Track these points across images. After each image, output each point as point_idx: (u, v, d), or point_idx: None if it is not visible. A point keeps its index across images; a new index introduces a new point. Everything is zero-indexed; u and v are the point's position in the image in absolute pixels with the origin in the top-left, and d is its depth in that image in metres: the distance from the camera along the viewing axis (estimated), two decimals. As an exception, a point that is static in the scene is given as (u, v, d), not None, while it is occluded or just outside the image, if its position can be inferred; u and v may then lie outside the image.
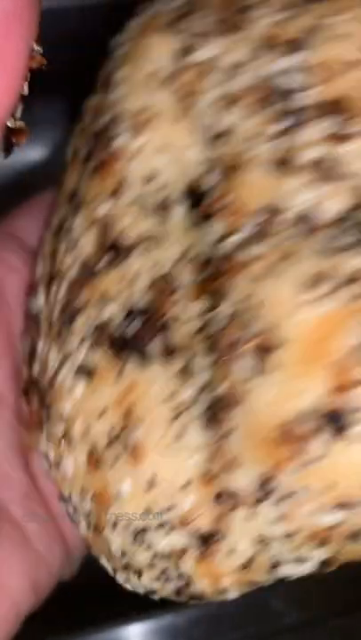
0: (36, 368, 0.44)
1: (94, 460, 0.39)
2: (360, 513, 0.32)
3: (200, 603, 0.39)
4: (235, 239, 0.35)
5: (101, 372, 0.39)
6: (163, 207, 0.42)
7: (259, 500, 0.34)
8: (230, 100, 0.38)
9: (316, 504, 0.33)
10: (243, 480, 0.34)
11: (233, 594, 0.37)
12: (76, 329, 0.41)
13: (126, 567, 0.40)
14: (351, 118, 0.33)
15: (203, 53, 0.39)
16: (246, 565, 0.36)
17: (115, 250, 0.40)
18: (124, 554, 0.39)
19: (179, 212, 0.41)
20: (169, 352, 0.38)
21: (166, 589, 0.39)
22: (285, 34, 0.35)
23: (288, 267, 0.33)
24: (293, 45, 0.35)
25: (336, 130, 0.33)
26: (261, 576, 0.36)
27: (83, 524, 0.41)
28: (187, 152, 0.42)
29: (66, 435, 0.40)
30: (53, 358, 0.42)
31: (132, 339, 0.38)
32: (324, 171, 0.33)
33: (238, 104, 0.37)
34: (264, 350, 0.33)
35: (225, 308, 0.35)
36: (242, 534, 0.35)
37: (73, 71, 0.61)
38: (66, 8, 0.58)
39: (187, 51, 0.41)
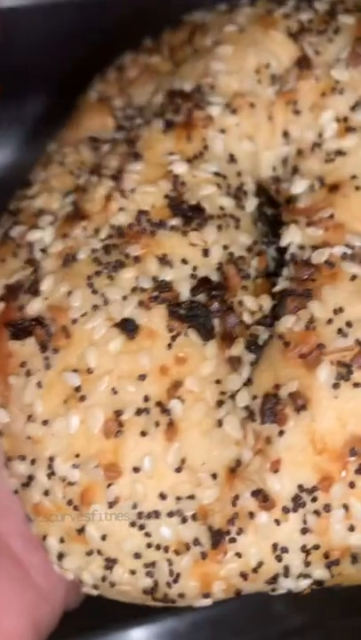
0: (37, 305, 0.38)
1: (114, 426, 0.34)
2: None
3: (158, 606, 0.36)
4: (336, 251, 0.36)
5: (150, 333, 0.35)
6: (242, 192, 0.41)
7: (290, 509, 0.34)
8: (350, 127, 0.40)
9: (349, 523, 0.34)
10: (279, 485, 0.34)
11: (209, 601, 0.36)
12: (123, 280, 0.37)
13: (98, 552, 0.35)
14: None
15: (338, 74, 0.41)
16: (250, 572, 0.35)
17: (192, 213, 0.38)
18: (104, 537, 0.35)
19: (252, 204, 0.41)
20: (230, 335, 0.36)
21: (136, 586, 0.35)
22: None
23: None
24: None
25: None
26: (257, 585, 0.35)
27: (57, 495, 0.35)
28: (266, 151, 0.43)
29: (81, 388, 0.35)
30: (78, 301, 0.37)
31: (199, 309, 0.35)
32: None
33: (358, 133, 0.39)
34: (351, 364, 0.34)
35: (313, 311, 0.35)
36: (257, 539, 0.34)
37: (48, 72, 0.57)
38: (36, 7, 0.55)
39: (305, 63, 0.42)
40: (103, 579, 0.36)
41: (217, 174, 0.40)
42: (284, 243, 0.40)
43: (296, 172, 0.42)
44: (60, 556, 0.37)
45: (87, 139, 0.48)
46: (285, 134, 0.42)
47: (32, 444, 0.36)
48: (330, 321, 0.35)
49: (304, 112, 0.42)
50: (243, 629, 0.49)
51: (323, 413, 0.33)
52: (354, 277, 0.36)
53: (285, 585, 0.35)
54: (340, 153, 0.39)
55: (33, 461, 0.36)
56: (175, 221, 0.38)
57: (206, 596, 0.35)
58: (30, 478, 0.36)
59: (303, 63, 0.42)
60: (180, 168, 0.39)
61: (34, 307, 0.38)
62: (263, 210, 0.42)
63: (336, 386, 0.34)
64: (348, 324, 0.34)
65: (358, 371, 0.34)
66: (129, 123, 0.47)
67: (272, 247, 0.42)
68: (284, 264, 0.40)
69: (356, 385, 0.34)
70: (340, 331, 0.34)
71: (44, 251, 0.41)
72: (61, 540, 0.36)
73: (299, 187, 0.40)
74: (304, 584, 0.35)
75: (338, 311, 0.35)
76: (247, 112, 0.42)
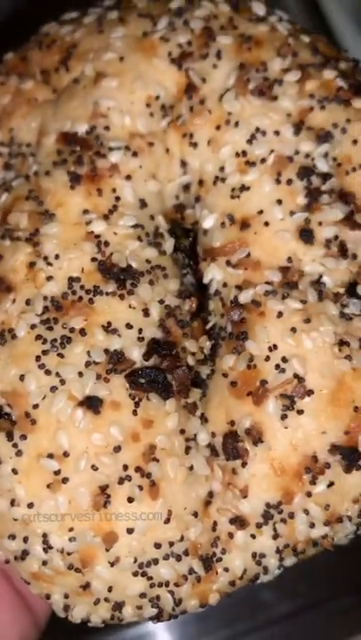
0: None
1: (101, 499, 0.37)
2: (340, 527, 0.41)
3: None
4: (259, 290, 0.40)
5: (114, 405, 0.38)
6: (159, 235, 0.42)
7: (262, 523, 0.40)
8: (250, 161, 0.42)
9: (310, 522, 0.41)
10: (250, 507, 0.40)
11: (204, 607, 0.42)
12: (74, 356, 0.38)
13: (105, 600, 0.39)
14: (359, 211, 0.42)
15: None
16: (237, 580, 0.41)
17: (124, 275, 0.40)
18: (110, 589, 0.39)
19: (170, 245, 0.43)
20: (184, 386, 0.40)
21: (142, 617, 0.40)
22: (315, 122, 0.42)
23: (315, 327, 0.40)
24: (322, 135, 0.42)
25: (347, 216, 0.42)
26: (243, 585, 0.42)
27: (57, 564, 0.38)
28: (168, 183, 0.44)
29: (61, 471, 0.37)
30: (33, 384, 0.38)
31: (156, 374, 0.38)
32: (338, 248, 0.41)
33: (258, 167, 0.42)
34: (293, 395, 0.39)
35: (250, 351, 0.39)
36: (239, 553, 0.40)
37: None
38: None
39: (193, 91, 0.43)
40: (112, 617, 0.40)
41: (135, 226, 0.41)
42: (206, 280, 0.43)
43: (199, 201, 0.44)
44: (66, 608, 0.40)
45: None
46: (183, 164, 0.44)
47: (21, 524, 0.38)
48: (267, 358, 0.39)
49: (201, 145, 0.43)
50: (232, 620, 0.53)
51: (277, 442, 0.39)
52: (280, 314, 0.40)
53: (265, 579, 0.42)
54: (243, 188, 0.42)
55: (25, 539, 0.38)
56: (110, 287, 0.39)
57: (203, 606, 0.41)
58: (25, 552, 0.39)
59: (191, 91, 0.43)
60: (100, 227, 0.40)
61: None
62: (179, 243, 0.44)
63: (284, 417, 0.39)
64: (284, 360, 0.39)
65: (300, 400, 0.39)
66: (18, 161, 0.46)
67: (190, 275, 0.45)
68: (208, 297, 0.44)
69: (299, 412, 0.39)
70: (277, 366, 0.39)
71: (-28, 328, 0.40)
72: (66, 596, 0.40)
73: (208, 221, 0.43)
74: (278, 572, 0.42)
75: (273, 348, 0.39)
76: (147, 152, 0.42)
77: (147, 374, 0.38)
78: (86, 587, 0.39)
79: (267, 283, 0.40)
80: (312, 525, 0.40)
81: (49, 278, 0.39)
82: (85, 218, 0.40)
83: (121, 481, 0.37)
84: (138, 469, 0.37)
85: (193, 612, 0.41)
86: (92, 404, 0.37)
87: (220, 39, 0.44)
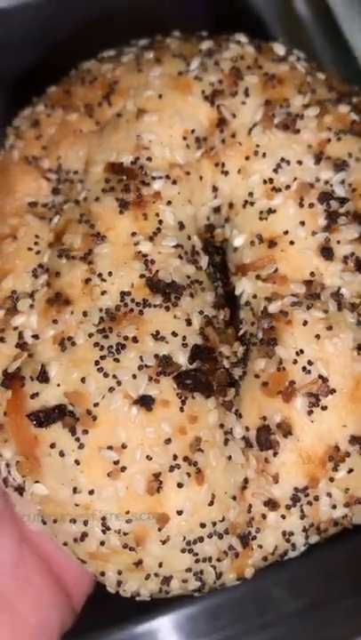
0: (52, 393, 0.44)
1: (155, 485, 0.43)
2: (358, 509, 0.47)
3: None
4: (286, 301, 0.46)
5: (164, 403, 0.43)
6: (196, 253, 0.48)
7: (290, 505, 0.46)
8: (276, 187, 0.48)
9: (332, 504, 0.47)
10: (280, 491, 0.46)
11: (241, 579, 0.48)
12: (128, 360, 0.44)
13: (155, 575, 0.45)
14: None
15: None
16: (269, 555, 0.47)
17: (168, 289, 0.45)
18: (161, 564, 0.45)
19: (205, 261, 0.49)
20: (223, 387, 0.46)
21: (187, 589, 0.46)
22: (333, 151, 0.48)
23: (336, 333, 0.46)
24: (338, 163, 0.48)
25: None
26: (273, 560, 0.48)
27: (114, 543, 0.44)
28: (201, 207, 0.50)
29: (119, 461, 0.43)
30: (93, 386, 0.44)
31: (200, 376, 0.44)
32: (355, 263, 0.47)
33: (283, 192, 0.48)
34: (318, 393, 0.45)
35: (280, 355, 0.45)
36: (271, 532, 0.46)
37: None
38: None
39: (224, 125, 0.49)
40: (160, 591, 0.46)
41: (176, 246, 0.46)
42: (237, 292, 0.48)
43: (228, 222, 0.49)
44: (119, 584, 0.46)
45: (27, 205, 0.51)
46: (215, 189, 0.49)
47: (82, 509, 0.44)
48: (295, 361, 0.45)
49: (232, 173, 0.49)
50: (242, 617, 0.52)
51: (304, 434, 0.45)
52: (305, 322, 0.46)
53: (292, 554, 0.48)
54: (270, 211, 0.48)
55: (86, 522, 0.44)
56: (157, 300, 0.45)
57: (240, 579, 0.47)
58: (85, 534, 0.44)
59: (222, 125, 0.49)
60: (146, 247, 0.46)
61: (49, 394, 0.44)
62: (212, 259, 0.50)
63: (310, 412, 0.45)
64: (310, 363, 0.45)
65: (324, 398, 0.45)
66: (66, 186, 0.51)
67: (220, 288, 0.51)
68: (239, 307, 0.49)
69: (323, 408, 0.45)
70: (304, 368, 0.45)
71: (35, 337, 0.46)
72: (119, 573, 0.45)
73: (238, 240, 0.49)
74: (303, 549, 0.48)
75: (299, 353, 0.45)
76: (185, 180, 0.48)
77: (192, 376, 0.43)
78: (139, 563, 0.44)
79: (293, 295, 0.46)
80: (334, 507, 0.46)
81: (103, 292, 0.45)
82: (133, 239, 0.46)
83: (171, 469, 0.43)
84: (186, 459, 0.43)
85: (230, 584, 0.46)
86: (145, 402, 0.43)
87: (247, 78, 0.49)
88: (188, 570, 0.44)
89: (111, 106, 0.50)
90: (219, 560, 0.44)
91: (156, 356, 0.43)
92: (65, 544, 0.45)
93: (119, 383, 0.43)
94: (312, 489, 0.45)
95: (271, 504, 0.45)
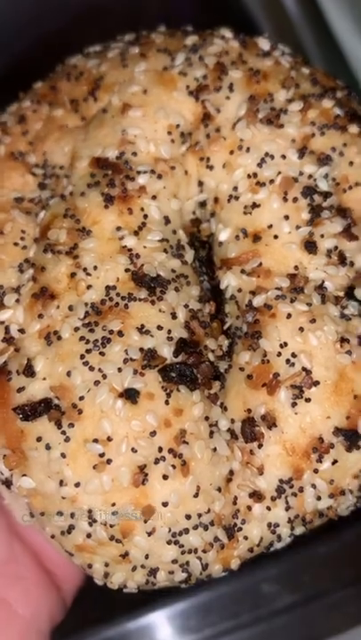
0: (38, 387, 0.45)
1: (140, 477, 0.43)
2: (343, 500, 0.48)
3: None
4: (270, 294, 0.46)
5: (149, 396, 0.44)
6: (181, 247, 0.48)
7: (275, 497, 0.46)
8: (260, 182, 0.48)
9: (317, 495, 0.47)
10: (265, 483, 0.46)
11: (226, 572, 0.48)
12: (113, 354, 0.44)
13: (142, 567, 0.45)
14: (355, 225, 0.49)
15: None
16: (254, 547, 0.47)
17: (154, 283, 0.45)
18: (147, 556, 0.45)
19: (191, 255, 0.49)
20: (207, 379, 0.46)
21: (173, 581, 0.46)
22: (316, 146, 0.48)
23: (319, 326, 0.46)
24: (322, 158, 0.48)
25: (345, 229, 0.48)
26: (258, 551, 0.48)
27: (100, 535, 0.44)
28: (187, 201, 0.50)
29: (105, 454, 0.43)
30: (79, 379, 0.44)
31: (185, 369, 0.45)
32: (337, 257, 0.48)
33: (267, 187, 0.48)
34: (301, 385, 0.46)
35: (264, 348, 0.46)
36: (256, 523, 0.47)
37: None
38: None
39: (208, 120, 0.50)
40: (147, 582, 0.46)
41: (161, 240, 0.47)
42: (222, 286, 0.49)
43: (214, 216, 0.50)
44: (106, 575, 0.46)
45: (13, 200, 0.51)
46: (200, 183, 0.50)
47: (68, 502, 0.44)
48: (279, 354, 0.45)
49: (217, 168, 0.49)
50: (233, 612, 0.53)
51: (288, 426, 0.45)
52: (289, 315, 0.46)
53: (278, 546, 0.48)
54: (255, 205, 0.48)
55: (72, 515, 0.44)
56: (142, 293, 0.45)
57: (226, 570, 0.47)
58: (71, 527, 0.45)
59: (207, 120, 0.49)
60: (131, 242, 0.46)
61: (35, 388, 0.44)
62: (198, 254, 0.51)
63: (294, 404, 0.45)
64: (293, 355, 0.45)
65: (307, 390, 0.45)
66: (52, 181, 0.51)
67: (206, 281, 0.51)
68: (224, 301, 0.50)
69: (307, 400, 0.45)
70: (288, 361, 0.45)
71: (21, 331, 0.46)
72: (106, 565, 0.46)
73: (223, 234, 0.49)
74: (288, 540, 0.49)
75: (283, 345, 0.46)
76: (170, 174, 0.48)
77: (177, 369, 0.44)
78: (125, 555, 0.45)
79: (277, 288, 0.47)
80: (319, 498, 0.46)
81: (89, 287, 0.45)
82: (118, 234, 0.46)
83: (157, 461, 0.43)
84: (171, 451, 0.43)
85: (217, 576, 0.47)
86: (130, 395, 0.43)
87: (231, 73, 0.50)
88: (175, 561, 0.45)
89: (97, 101, 0.51)
90: (204, 551, 0.45)
91: (141, 349, 0.44)
92: (52, 537, 0.46)
93: (104, 376, 0.43)
94: (297, 480, 0.45)
95: (256, 495, 0.45)
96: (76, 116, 0.51)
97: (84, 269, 0.45)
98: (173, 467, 0.43)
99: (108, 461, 0.43)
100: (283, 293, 0.46)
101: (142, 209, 0.47)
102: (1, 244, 0.48)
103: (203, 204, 0.51)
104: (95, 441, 0.43)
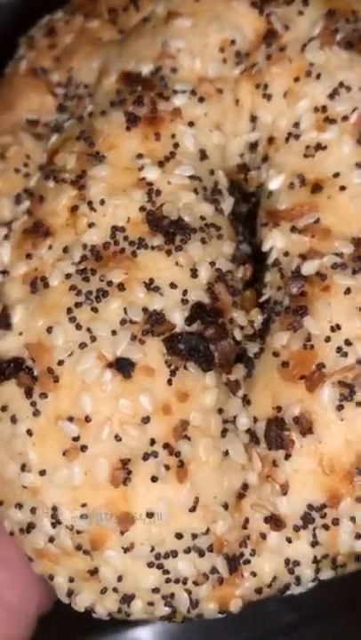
0: (12, 343, 0.35)
1: (121, 474, 0.33)
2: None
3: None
4: (326, 261, 0.35)
5: (148, 370, 0.34)
6: (218, 192, 0.38)
7: (300, 527, 0.35)
8: (330, 118, 0.37)
9: (355, 532, 0.35)
10: (289, 506, 0.35)
11: (224, 614, 0.37)
12: (109, 312, 0.34)
13: (114, 590, 0.35)
14: None
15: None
16: (264, 587, 0.36)
17: (173, 228, 0.35)
18: (120, 578, 0.34)
19: (229, 204, 0.38)
20: (227, 360, 0.35)
21: (153, 615, 0.36)
22: None
23: None
24: None
25: None
26: (271, 594, 0.37)
27: (65, 542, 0.34)
28: (234, 138, 0.40)
29: (80, 437, 0.33)
30: (60, 338, 0.34)
31: (198, 341, 0.34)
32: None
33: (339, 125, 0.37)
34: (353, 384, 0.34)
35: (309, 329, 0.34)
36: (270, 557, 0.35)
37: None
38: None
39: (273, 37, 0.39)
40: (119, 611, 0.36)
41: (192, 177, 0.36)
42: (265, 247, 0.38)
43: (266, 161, 0.39)
44: (70, 593, 0.36)
45: (25, 122, 0.42)
46: (253, 118, 0.39)
47: (30, 493, 0.34)
48: (328, 339, 0.34)
49: (276, 98, 0.39)
50: (237, 628, 0.50)
51: (329, 436, 0.34)
52: (348, 290, 0.35)
53: (296, 591, 0.37)
54: (319, 147, 0.37)
55: (33, 510, 0.34)
56: (157, 240, 0.35)
57: (223, 612, 0.36)
58: (31, 525, 0.35)
59: (271, 38, 0.39)
60: (153, 174, 0.36)
61: (9, 344, 0.35)
62: (237, 207, 0.40)
63: (340, 407, 0.34)
64: (348, 343, 0.34)
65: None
66: (73, 103, 0.42)
67: (246, 243, 0.40)
68: (265, 268, 0.39)
69: (358, 404, 0.34)
70: (339, 349, 0.34)
71: (4, 272, 0.37)
72: (71, 580, 0.36)
73: (275, 182, 0.38)
74: (311, 585, 0.37)
75: (335, 328, 0.34)
76: (215, 99, 0.38)
77: (187, 340, 0.33)
78: (94, 572, 0.34)
79: (336, 254, 0.35)
80: (358, 537, 0.35)
81: (91, 225, 0.35)
82: (138, 163, 0.36)
83: (146, 457, 0.33)
84: (166, 446, 0.33)
85: (210, 617, 0.36)
86: (122, 366, 0.33)
87: (309, -17, 0.39)
88: (156, 590, 0.34)
89: (139, 11, 0.41)
90: (196, 584, 0.34)
91: (145, 310, 0.33)
92: (11, 533, 0.36)
93: (93, 339, 0.33)
94: (331, 509, 0.34)
95: (275, 521, 0.34)
96: (114, 27, 0.42)
97: (89, 203, 0.35)
98: (167, 467, 0.33)
99: (83, 448, 0.33)
100: (343, 261, 0.35)
101: (173, 136, 0.36)
102: (1, 169, 0.39)
103: (253, 147, 0.40)
104: (70, 420, 0.33)
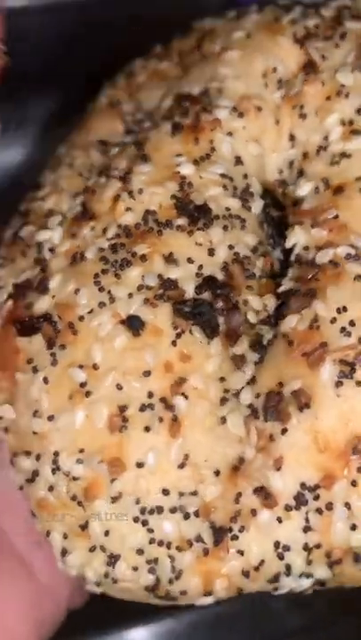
0: (45, 303, 0.39)
1: (118, 421, 0.35)
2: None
3: (165, 604, 0.36)
4: (340, 251, 0.37)
5: (155, 330, 0.36)
6: (248, 194, 0.41)
7: (292, 507, 0.34)
8: (355, 130, 0.40)
9: (351, 522, 0.34)
10: (282, 483, 0.34)
11: (210, 600, 0.36)
12: (130, 278, 0.37)
13: (101, 549, 0.35)
14: None
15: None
16: (251, 570, 0.35)
17: (198, 213, 0.38)
18: (107, 533, 0.35)
19: (258, 205, 0.41)
20: (234, 333, 0.36)
21: (138, 583, 0.35)
22: None
23: None
24: None
25: None
26: (259, 584, 0.35)
27: (62, 490, 0.35)
28: (273, 153, 0.43)
29: (86, 383, 0.35)
30: (85, 298, 0.37)
31: (204, 306, 0.36)
32: None
33: (362, 137, 0.39)
34: (354, 362, 0.34)
35: (316, 311, 0.35)
36: (259, 537, 0.34)
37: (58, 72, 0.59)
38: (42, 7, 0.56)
39: (311, 67, 0.43)
40: (106, 575, 0.36)
41: (223, 175, 0.40)
42: (289, 244, 0.40)
43: (301, 175, 0.42)
44: (64, 552, 0.37)
45: (97, 142, 0.48)
46: (292, 137, 0.43)
47: (38, 439, 0.36)
48: (333, 320, 0.35)
49: (310, 116, 0.42)
50: (242, 629, 0.48)
51: (326, 412, 0.34)
52: (358, 277, 0.36)
53: (287, 584, 0.35)
54: (344, 155, 0.40)
55: (38, 457, 0.36)
56: (181, 221, 0.38)
57: (208, 594, 0.35)
58: (35, 473, 0.37)
59: (309, 68, 0.43)
60: (187, 169, 0.40)
61: (42, 304, 0.39)
62: (269, 212, 0.43)
63: (339, 384, 0.34)
64: (352, 323, 0.35)
65: (361, 369, 0.34)
66: (138, 126, 0.48)
67: (278, 249, 0.43)
68: (289, 266, 0.41)
69: (358, 383, 0.34)
70: (343, 329, 0.35)
71: (52, 250, 0.41)
72: (65, 537, 0.36)
73: (304, 189, 0.41)
74: (306, 583, 0.35)
75: (341, 310, 0.35)
76: (254, 115, 0.42)
77: (194, 305, 0.36)
78: (85, 527, 0.35)
79: (350, 246, 0.37)
80: (353, 527, 0.33)
81: (128, 209, 0.40)
82: (176, 160, 0.41)
83: (142, 407, 0.34)
84: (163, 400, 0.34)
85: (195, 596, 0.35)
86: (132, 323, 0.36)
87: (347, 24, 0.44)
88: (140, 551, 0.34)
89: (200, 50, 0.47)
90: (179, 549, 0.34)
91: (160, 276, 0.36)
92: (21, 488, 0.38)
93: (112, 300, 0.37)
94: (325, 490, 0.33)
95: (265, 495, 0.34)
96: (179, 67, 0.49)
97: (130, 192, 0.40)
98: (160, 420, 0.34)
99: (87, 394, 0.35)
100: (356, 254, 0.36)
101: (211, 141, 0.41)
102: (68, 175, 0.46)
103: (292, 164, 0.44)
104: (80, 367, 0.35)
